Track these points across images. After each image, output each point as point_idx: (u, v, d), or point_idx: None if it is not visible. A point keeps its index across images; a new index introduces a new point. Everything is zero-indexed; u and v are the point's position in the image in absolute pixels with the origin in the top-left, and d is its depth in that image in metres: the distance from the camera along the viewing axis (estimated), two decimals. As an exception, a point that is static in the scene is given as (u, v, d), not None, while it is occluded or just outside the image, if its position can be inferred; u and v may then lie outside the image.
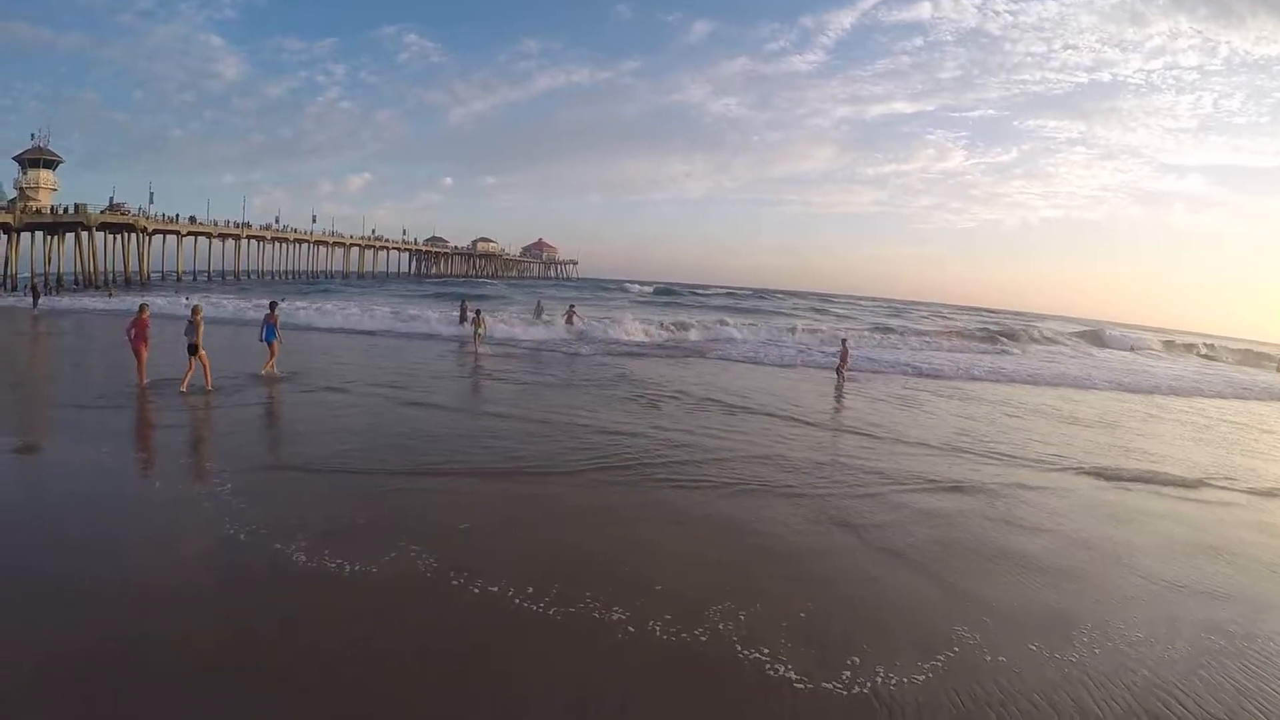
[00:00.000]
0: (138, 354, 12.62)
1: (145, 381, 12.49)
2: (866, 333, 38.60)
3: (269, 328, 14.65)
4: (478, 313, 24.14)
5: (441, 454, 9.12)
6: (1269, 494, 10.22)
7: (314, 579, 5.18)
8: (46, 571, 5.15)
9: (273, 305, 15.61)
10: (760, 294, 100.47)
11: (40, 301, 34.06)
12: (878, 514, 7.63)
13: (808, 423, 12.91)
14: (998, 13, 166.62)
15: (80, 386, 12.95)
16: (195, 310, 12.91)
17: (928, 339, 37.70)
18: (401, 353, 20.87)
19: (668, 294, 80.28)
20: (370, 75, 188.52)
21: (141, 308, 13.21)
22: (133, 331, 12.61)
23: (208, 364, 12.62)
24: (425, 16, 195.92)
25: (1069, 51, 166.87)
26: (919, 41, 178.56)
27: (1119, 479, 10.20)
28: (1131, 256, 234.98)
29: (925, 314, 78.54)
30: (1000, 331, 44.63)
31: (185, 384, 12.21)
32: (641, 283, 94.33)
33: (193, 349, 12.35)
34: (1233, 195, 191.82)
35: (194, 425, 10.34)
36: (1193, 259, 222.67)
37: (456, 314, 29.46)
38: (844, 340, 22.93)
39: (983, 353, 33.22)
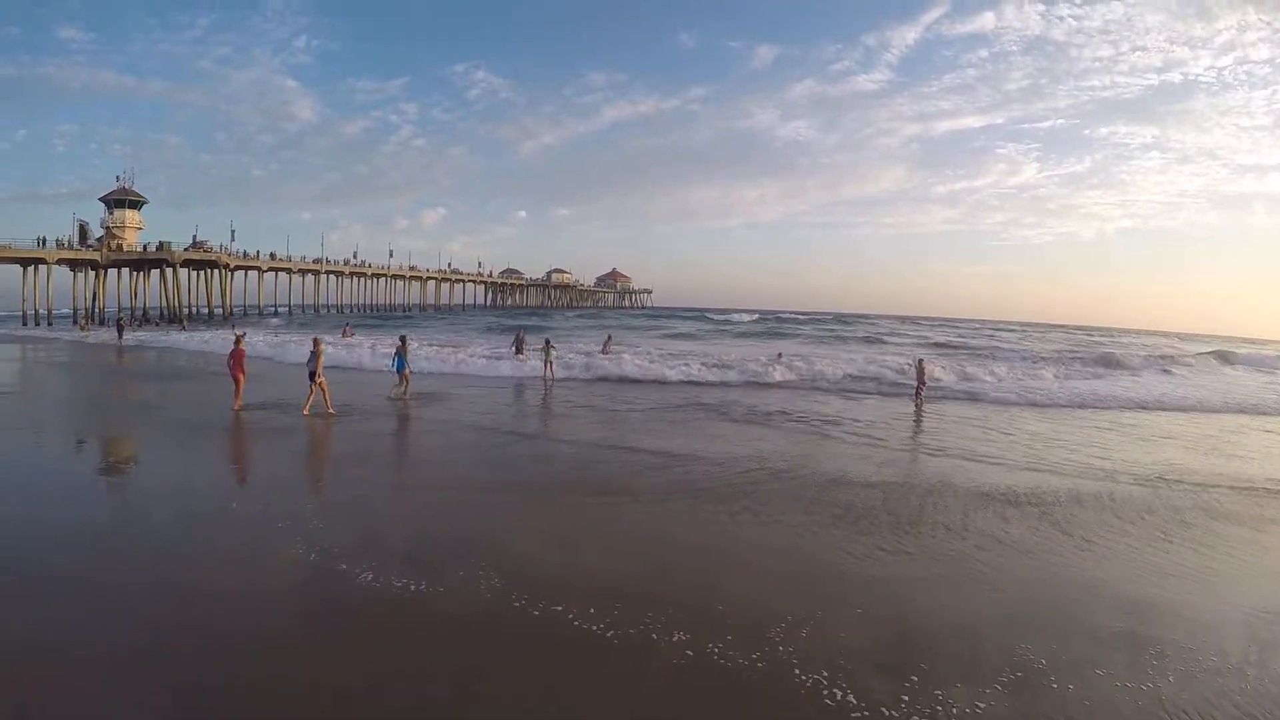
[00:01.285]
0: (236, 380, 13.31)
1: (240, 405, 13.09)
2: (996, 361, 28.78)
3: (399, 359, 15.69)
4: (547, 341, 22.32)
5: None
6: None
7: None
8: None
9: (403, 339, 16.61)
10: (840, 318, 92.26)
11: (125, 336, 35.47)
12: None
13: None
14: (1062, 18, 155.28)
15: (191, 410, 13.62)
16: (316, 342, 13.51)
17: (1067, 365, 28.46)
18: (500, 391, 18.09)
19: (773, 320, 74.27)
20: (441, 113, 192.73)
21: (238, 339, 14.18)
22: (231, 361, 13.40)
23: (327, 390, 13.15)
24: (493, 54, 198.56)
25: (1137, 53, 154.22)
26: (984, 53, 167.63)
27: None
28: (1212, 264, 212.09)
29: (1018, 334, 68.09)
30: (1110, 354, 33.37)
31: (307, 408, 12.86)
32: (742, 310, 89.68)
33: (312, 376, 13.00)
34: None
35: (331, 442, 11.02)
36: (1276, 264, 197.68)
37: (513, 348, 25.49)
38: (920, 360, 19.72)
39: (1100, 376, 25.53)
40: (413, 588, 5.06)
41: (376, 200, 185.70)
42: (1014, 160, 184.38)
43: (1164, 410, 17.75)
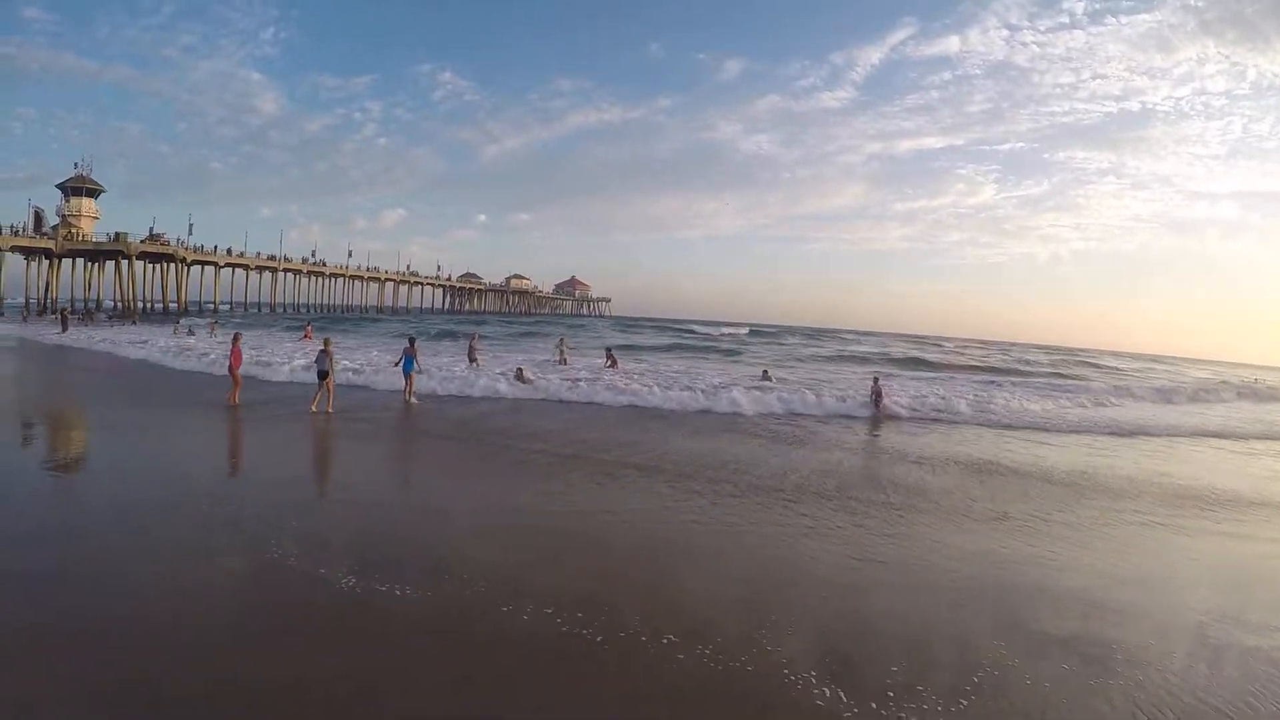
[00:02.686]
0: (235, 378, 13.89)
1: (237, 401, 13.43)
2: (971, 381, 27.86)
3: (408, 359, 15.55)
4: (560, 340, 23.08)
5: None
6: None
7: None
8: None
9: (412, 340, 16.31)
10: (808, 333, 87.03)
11: (69, 330, 31.88)
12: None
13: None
14: (1025, 44, 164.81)
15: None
16: (327, 342, 14.10)
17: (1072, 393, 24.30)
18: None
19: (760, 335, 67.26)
20: (406, 113, 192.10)
21: (235, 337, 14.82)
22: (231, 360, 14.03)
23: (333, 391, 13.44)
24: (460, 55, 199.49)
25: (1097, 81, 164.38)
26: (947, 75, 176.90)
27: None
28: (1164, 286, 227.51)
29: (1001, 354, 58.52)
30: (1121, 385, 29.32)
31: (314, 405, 13.15)
32: (722, 323, 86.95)
33: (323, 375, 13.31)
34: (1266, 220, 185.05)
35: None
36: (1228, 287, 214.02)
37: (465, 356, 23.50)
38: (875, 378, 18.98)
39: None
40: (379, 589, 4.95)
41: (337, 198, 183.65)
42: (973, 181, 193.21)
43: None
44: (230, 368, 14.01)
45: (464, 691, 3.78)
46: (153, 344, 25.29)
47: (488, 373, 18.99)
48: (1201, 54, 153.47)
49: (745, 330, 73.80)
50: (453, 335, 39.80)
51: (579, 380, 18.54)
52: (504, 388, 17.03)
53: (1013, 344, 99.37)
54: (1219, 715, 4.01)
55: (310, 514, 7.01)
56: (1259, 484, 11.23)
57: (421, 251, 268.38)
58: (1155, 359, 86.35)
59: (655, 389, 17.48)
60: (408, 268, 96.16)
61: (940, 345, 70.62)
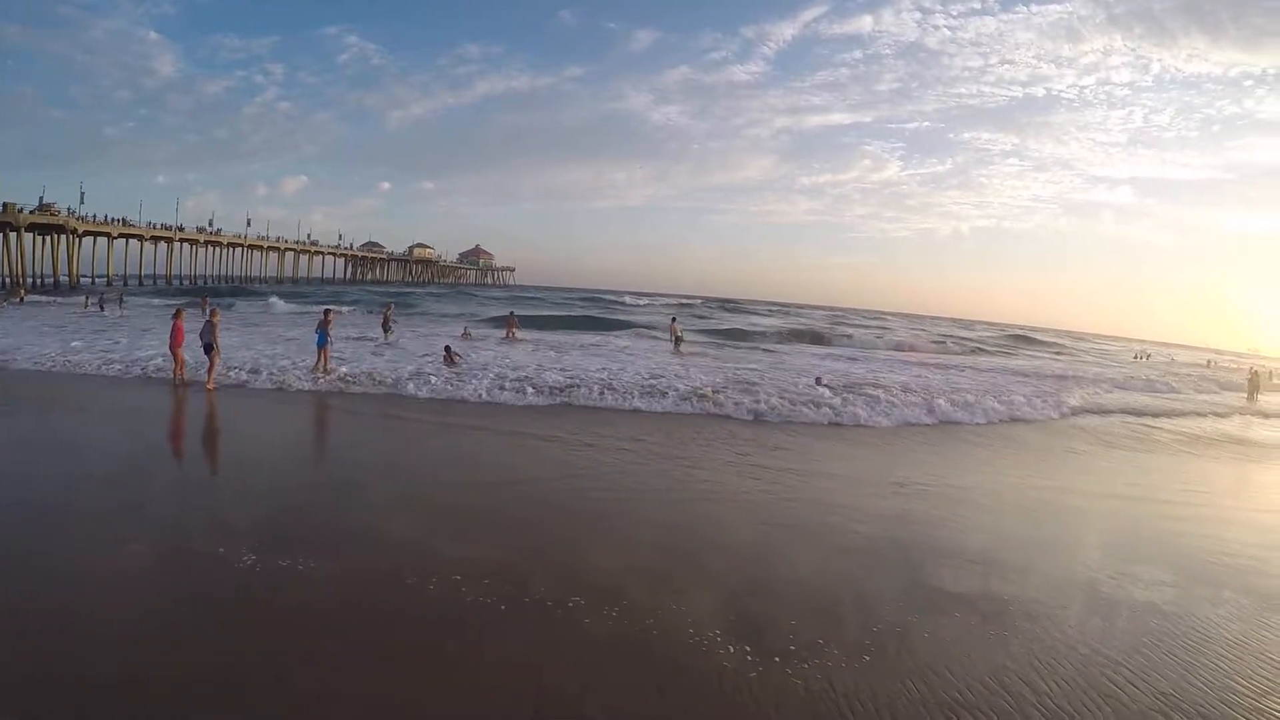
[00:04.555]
0: (177, 356, 13.86)
1: (184, 376, 13.80)
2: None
3: (321, 333, 15.48)
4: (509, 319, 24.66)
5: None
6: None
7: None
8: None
9: (327, 312, 16.46)
10: (722, 303, 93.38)
11: None
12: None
13: None
14: (937, 27, 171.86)
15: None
16: (214, 313, 14.49)
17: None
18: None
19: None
20: (309, 76, 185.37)
21: (177, 312, 14.35)
22: (174, 339, 13.85)
23: (216, 365, 13.70)
24: (366, 17, 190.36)
25: (1005, 66, 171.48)
26: (858, 54, 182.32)
27: None
28: (1061, 264, 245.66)
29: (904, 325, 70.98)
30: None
31: (211, 381, 13.41)
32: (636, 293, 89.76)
33: (208, 348, 13.62)
34: (1160, 206, 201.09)
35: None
36: (1123, 267, 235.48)
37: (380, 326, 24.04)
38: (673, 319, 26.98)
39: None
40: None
41: (237, 165, 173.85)
42: (879, 157, 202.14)
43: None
44: (171, 346, 13.88)
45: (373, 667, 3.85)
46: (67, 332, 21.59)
47: (412, 356, 18.69)
48: (1108, 46, 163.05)
49: (645, 302, 78.05)
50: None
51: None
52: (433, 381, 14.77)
53: (920, 316, 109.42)
54: (1113, 665, 4.29)
55: (209, 493, 7.44)
56: (1146, 450, 13.57)
57: (324, 220, 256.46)
58: (1064, 334, 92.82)
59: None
60: (308, 237, 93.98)
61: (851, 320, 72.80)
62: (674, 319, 29.36)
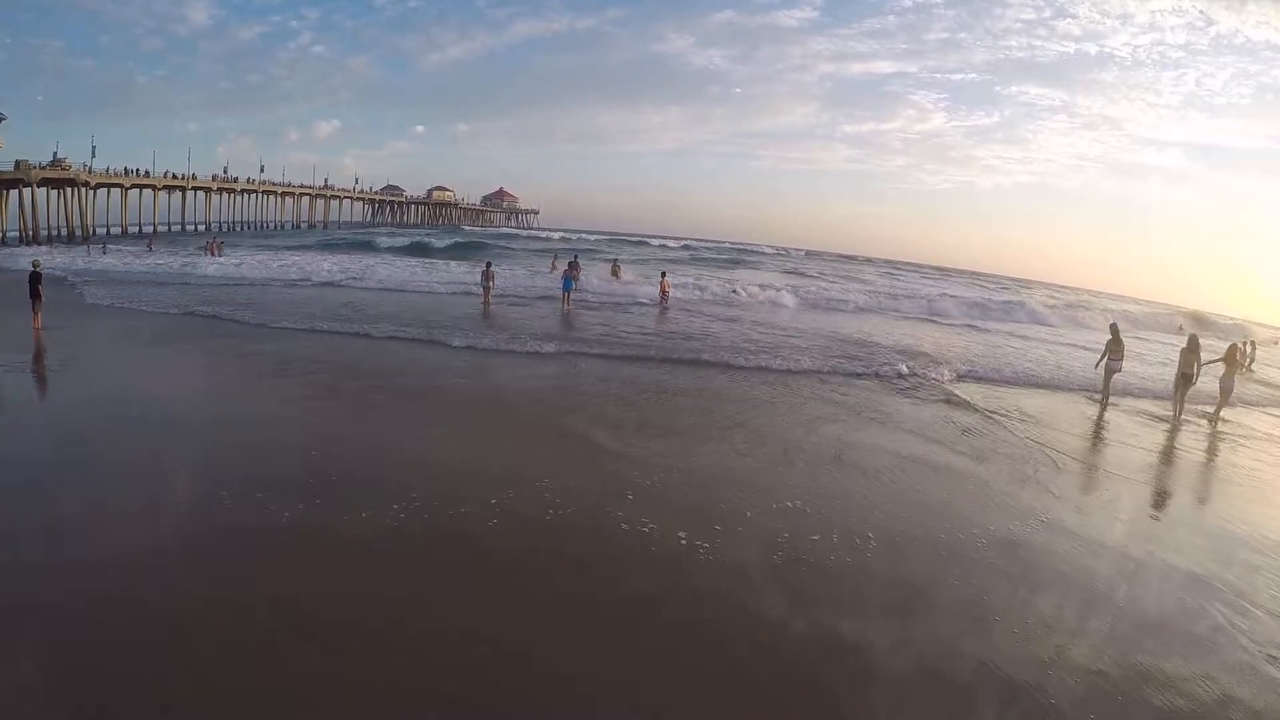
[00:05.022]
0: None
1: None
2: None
3: (568, 279, 24.48)
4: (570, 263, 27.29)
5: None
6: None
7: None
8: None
9: (572, 265, 25.69)
10: (742, 248, 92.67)
11: None
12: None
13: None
14: None
15: None
16: (35, 263, 16.86)
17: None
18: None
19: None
20: (346, 19, 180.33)
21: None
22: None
23: (40, 313, 15.43)
24: None
25: (1060, 20, 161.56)
26: (907, 2, 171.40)
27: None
28: (1104, 226, 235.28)
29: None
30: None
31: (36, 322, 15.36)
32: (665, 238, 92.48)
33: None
34: (1208, 172, 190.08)
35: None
36: (1164, 232, 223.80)
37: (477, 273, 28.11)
38: (663, 274, 29.11)
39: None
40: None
41: (268, 110, 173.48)
42: (924, 108, 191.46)
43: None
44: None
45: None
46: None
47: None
48: (1176, 5, 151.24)
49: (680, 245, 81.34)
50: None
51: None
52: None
53: (959, 270, 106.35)
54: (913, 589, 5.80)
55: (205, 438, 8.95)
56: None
57: (356, 164, 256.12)
58: (1096, 294, 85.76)
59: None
60: (325, 181, 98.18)
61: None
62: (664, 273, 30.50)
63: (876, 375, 16.49)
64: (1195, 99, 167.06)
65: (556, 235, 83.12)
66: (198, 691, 4.12)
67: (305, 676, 4.32)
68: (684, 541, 6.51)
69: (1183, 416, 14.24)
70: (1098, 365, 15.59)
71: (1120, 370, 15.40)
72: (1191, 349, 14.20)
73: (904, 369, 17.08)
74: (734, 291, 33.88)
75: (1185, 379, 14.12)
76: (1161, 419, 14.56)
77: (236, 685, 4.20)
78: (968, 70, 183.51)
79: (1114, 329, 15.39)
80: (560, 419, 10.71)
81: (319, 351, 15.04)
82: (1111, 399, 15.48)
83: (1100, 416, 14.55)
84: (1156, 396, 16.63)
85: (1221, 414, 14.70)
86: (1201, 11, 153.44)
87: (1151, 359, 23.10)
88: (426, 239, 66.03)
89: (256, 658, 4.48)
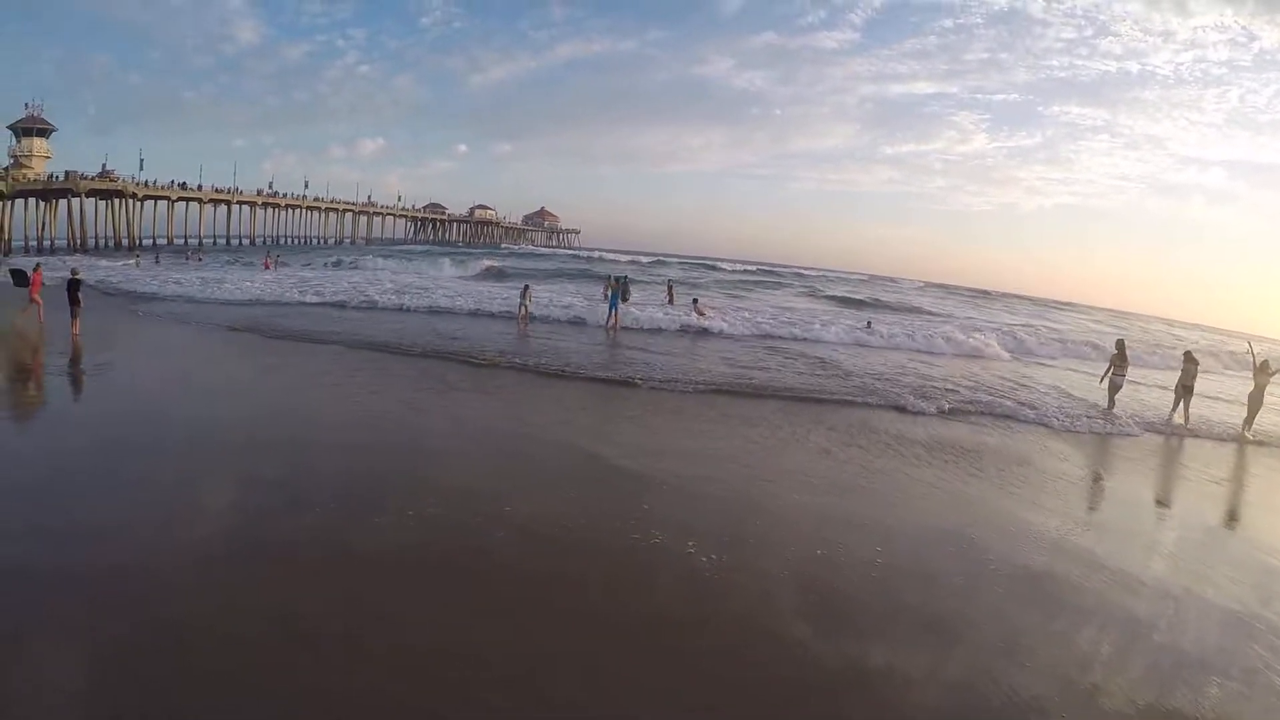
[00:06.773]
0: (36, 301, 15.91)
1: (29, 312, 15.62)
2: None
3: (614, 297, 22.25)
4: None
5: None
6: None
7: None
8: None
9: (620, 282, 23.16)
10: (771, 269, 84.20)
11: None
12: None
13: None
14: None
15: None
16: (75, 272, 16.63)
17: None
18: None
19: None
20: (391, 39, 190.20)
21: (36, 268, 16.92)
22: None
23: (79, 317, 15.24)
24: None
25: (1101, 39, 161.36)
26: (948, 23, 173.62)
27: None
28: (1146, 246, 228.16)
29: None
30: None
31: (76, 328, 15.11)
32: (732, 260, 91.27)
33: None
34: (1251, 191, 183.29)
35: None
36: (1208, 252, 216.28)
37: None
38: (695, 300, 26.34)
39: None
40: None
41: (313, 128, 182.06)
42: (965, 129, 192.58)
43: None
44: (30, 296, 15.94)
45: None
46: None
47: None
48: (1219, 21, 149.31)
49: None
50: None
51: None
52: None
53: (988, 291, 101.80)
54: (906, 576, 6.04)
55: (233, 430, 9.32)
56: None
57: (399, 182, 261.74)
58: (1145, 319, 79.97)
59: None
60: (369, 198, 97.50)
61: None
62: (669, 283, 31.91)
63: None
64: (1238, 116, 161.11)
65: (647, 262, 72.74)
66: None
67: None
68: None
69: (1189, 426, 14.63)
70: (1102, 380, 16.08)
71: (1122, 386, 15.83)
72: (1190, 360, 15.26)
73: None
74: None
75: (1186, 390, 14.92)
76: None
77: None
78: (1009, 90, 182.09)
79: (1120, 345, 16.08)
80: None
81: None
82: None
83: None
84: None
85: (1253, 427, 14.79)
86: (1244, 27, 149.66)
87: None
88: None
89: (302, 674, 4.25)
